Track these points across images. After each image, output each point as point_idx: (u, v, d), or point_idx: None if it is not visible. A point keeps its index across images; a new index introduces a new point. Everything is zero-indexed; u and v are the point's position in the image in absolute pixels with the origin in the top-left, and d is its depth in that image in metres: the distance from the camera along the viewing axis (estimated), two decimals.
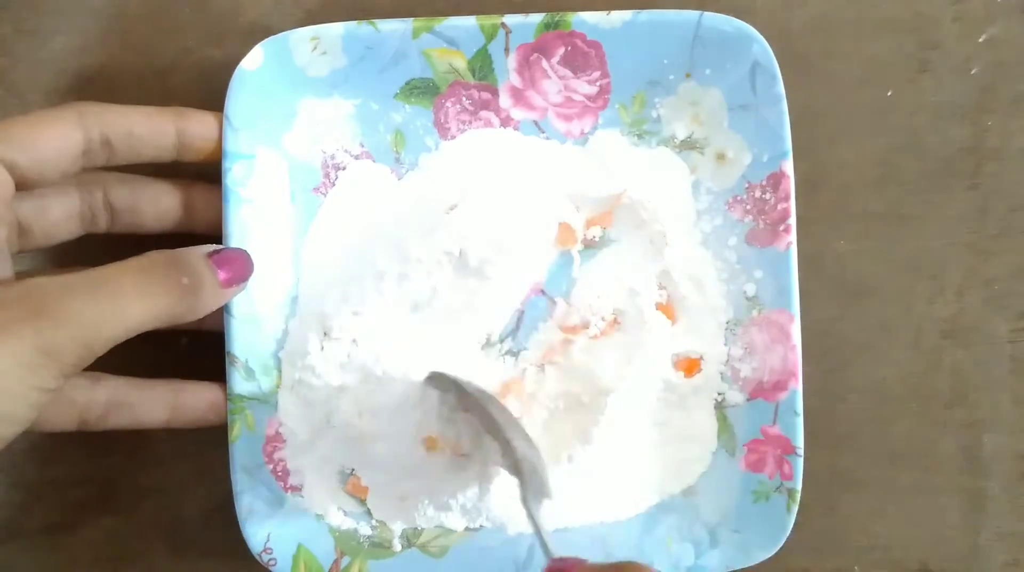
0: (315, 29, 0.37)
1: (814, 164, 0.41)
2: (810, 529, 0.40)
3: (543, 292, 0.40)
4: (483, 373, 0.40)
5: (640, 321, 0.39)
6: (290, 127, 0.39)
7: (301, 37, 0.37)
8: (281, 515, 0.39)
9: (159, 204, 0.37)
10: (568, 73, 0.39)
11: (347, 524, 0.39)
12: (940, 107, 0.42)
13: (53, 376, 0.29)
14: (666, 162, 0.40)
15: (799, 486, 0.38)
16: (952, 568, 0.42)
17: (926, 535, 0.42)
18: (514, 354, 0.40)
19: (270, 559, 0.38)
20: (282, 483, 0.39)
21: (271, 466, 0.39)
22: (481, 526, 0.40)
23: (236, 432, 0.38)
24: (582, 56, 0.39)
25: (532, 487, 0.33)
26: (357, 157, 0.40)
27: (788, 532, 0.37)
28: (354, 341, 0.38)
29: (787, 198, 0.38)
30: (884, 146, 0.42)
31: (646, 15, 0.38)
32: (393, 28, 0.38)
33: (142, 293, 0.31)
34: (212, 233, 0.37)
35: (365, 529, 0.40)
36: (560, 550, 0.30)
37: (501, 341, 0.40)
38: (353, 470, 0.40)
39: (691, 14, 0.37)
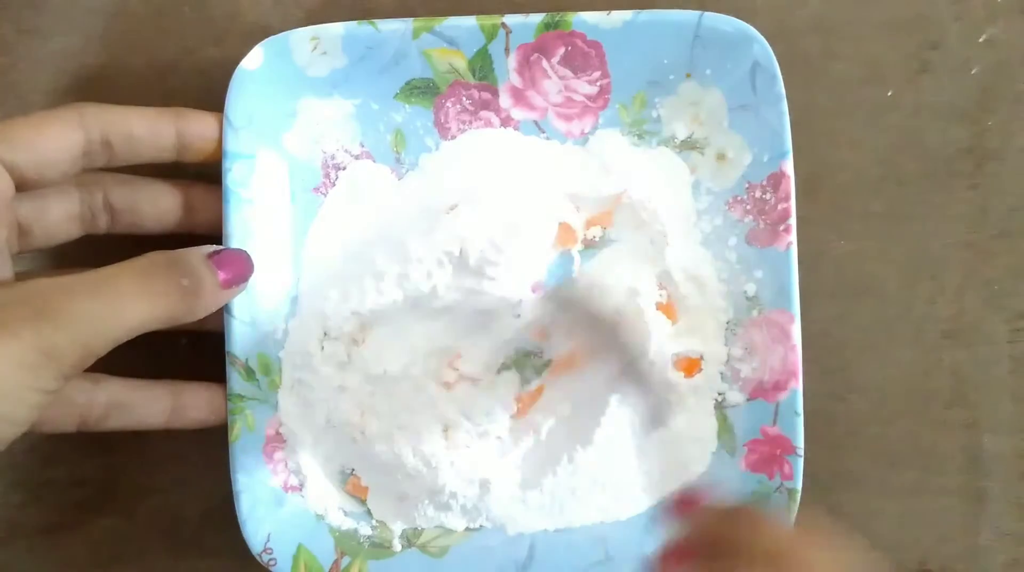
0: (315, 29, 0.37)
1: (814, 164, 0.41)
2: None
3: (543, 292, 0.40)
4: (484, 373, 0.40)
5: (640, 321, 0.39)
6: (290, 127, 0.39)
7: (301, 37, 0.37)
8: (281, 515, 0.39)
9: (159, 205, 0.37)
10: (568, 73, 0.39)
11: (347, 524, 0.39)
12: (940, 107, 0.42)
13: (53, 377, 0.29)
14: (666, 162, 0.40)
15: (799, 486, 0.38)
16: (952, 568, 0.42)
17: (926, 535, 0.42)
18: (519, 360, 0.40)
19: (270, 559, 0.38)
20: (282, 483, 0.39)
21: (271, 466, 0.39)
22: (481, 526, 0.40)
23: (236, 432, 0.38)
24: (582, 56, 0.39)
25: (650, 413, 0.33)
26: (357, 157, 0.40)
27: None
28: (354, 341, 0.38)
29: (787, 198, 0.38)
30: (884, 146, 0.42)
31: (646, 15, 0.38)
32: (393, 28, 0.38)
33: (142, 294, 0.31)
34: (212, 233, 0.37)
35: (365, 529, 0.40)
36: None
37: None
38: (353, 470, 0.40)
39: (691, 14, 0.37)
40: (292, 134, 0.39)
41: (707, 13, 0.37)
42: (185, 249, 0.34)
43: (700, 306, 0.40)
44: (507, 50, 0.38)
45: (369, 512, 0.40)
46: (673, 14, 0.38)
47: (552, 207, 0.39)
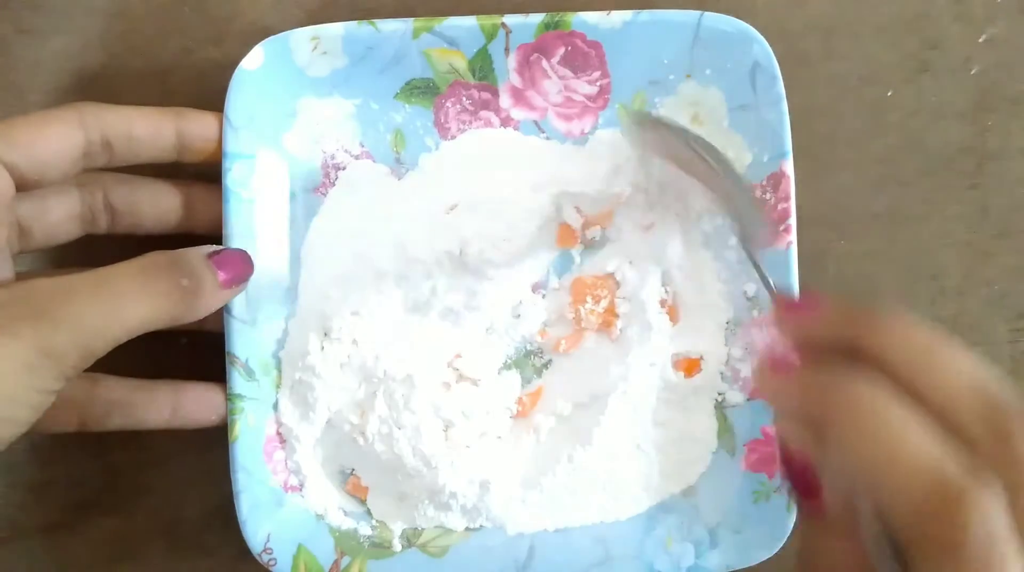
0: (315, 29, 0.37)
1: (814, 164, 0.41)
2: None
3: (543, 292, 0.40)
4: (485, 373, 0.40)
5: (640, 321, 0.39)
6: (290, 127, 0.39)
7: (301, 37, 0.37)
8: (281, 515, 0.39)
9: (159, 205, 0.37)
10: (568, 73, 0.39)
11: (347, 524, 0.39)
12: (940, 107, 0.42)
13: (53, 378, 0.29)
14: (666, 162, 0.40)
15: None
16: None
17: None
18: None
19: (270, 559, 0.38)
20: (282, 483, 0.39)
21: (271, 466, 0.39)
22: (481, 526, 0.40)
23: (236, 432, 0.38)
24: (582, 56, 0.39)
25: (751, 227, 0.32)
26: (357, 157, 0.40)
27: (788, 532, 0.37)
28: (354, 341, 0.38)
29: (787, 198, 0.38)
30: (884, 146, 0.42)
31: (646, 15, 0.38)
32: (393, 28, 0.38)
33: (142, 294, 0.31)
34: (212, 233, 0.37)
35: (365, 529, 0.40)
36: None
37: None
38: (353, 470, 0.40)
39: (691, 14, 0.37)
40: (292, 134, 0.39)
41: (707, 13, 0.37)
42: (185, 249, 0.34)
43: (700, 306, 0.40)
44: (507, 50, 0.38)
45: (369, 512, 0.40)
46: (673, 14, 0.38)
47: (552, 207, 0.39)
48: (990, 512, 0.19)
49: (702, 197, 0.39)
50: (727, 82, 0.38)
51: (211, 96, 0.38)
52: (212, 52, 0.41)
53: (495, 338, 0.40)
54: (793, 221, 0.38)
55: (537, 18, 0.38)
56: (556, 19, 0.38)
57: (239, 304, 0.37)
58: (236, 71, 0.37)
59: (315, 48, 0.38)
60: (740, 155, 0.39)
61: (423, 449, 0.38)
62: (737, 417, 0.39)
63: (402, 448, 0.38)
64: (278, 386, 0.39)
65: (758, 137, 0.38)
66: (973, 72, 0.42)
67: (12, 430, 0.30)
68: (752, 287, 0.39)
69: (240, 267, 0.35)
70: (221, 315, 0.37)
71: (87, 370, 0.31)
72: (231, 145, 0.37)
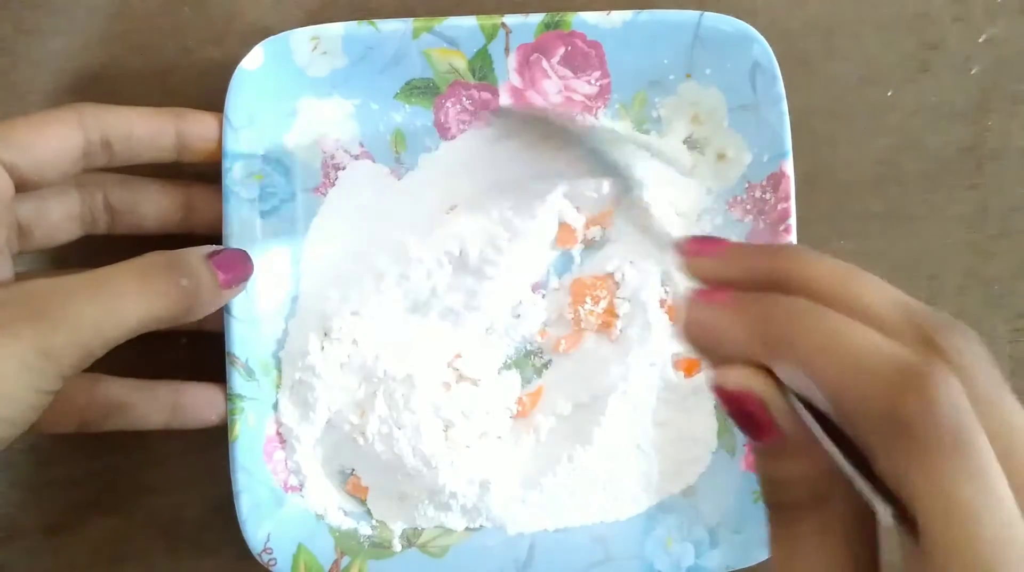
0: (315, 29, 0.37)
1: (814, 164, 0.41)
2: None
3: (543, 292, 0.40)
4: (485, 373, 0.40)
5: (640, 321, 0.39)
6: (290, 127, 0.39)
7: (301, 37, 0.37)
8: (281, 515, 0.39)
9: (159, 205, 0.37)
10: (568, 73, 0.39)
11: (347, 524, 0.39)
12: (940, 107, 0.42)
13: (52, 377, 0.29)
14: (666, 162, 0.40)
15: None
16: None
17: None
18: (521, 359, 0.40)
19: (270, 559, 0.38)
20: (282, 483, 0.39)
21: (271, 466, 0.39)
22: (481, 526, 0.40)
23: (236, 432, 0.38)
24: (582, 56, 0.39)
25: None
26: (357, 157, 0.40)
27: None
28: (354, 341, 0.38)
29: (787, 198, 0.38)
30: (884, 146, 0.42)
31: (646, 15, 0.38)
32: (393, 28, 0.38)
33: (142, 294, 0.31)
34: (212, 233, 0.37)
35: (365, 529, 0.40)
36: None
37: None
38: (353, 470, 0.40)
39: (691, 14, 0.37)
40: (292, 134, 0.39)
41: (707, 13, 0.37)
42: (185, 249, 0.34)
43: None
44: (507, 50, 0.38)
45: (369, 512, 0.40)
46: (673, 14, 0.38)
47: (552, 207, 0.39)
48: (954, 387, 0.20)
49: (701, 199, 0.40)
50: (727, 82, 0.38)
51: (211, 96, 0.38)
52: (212, 52, 0.41)
53: (495, 338, 0.40)
54: (793, 221, 0.38)
55: (537, 18, 0.38)
56: (556, 19, 0.38)
57: (239, 304, 0.37)
58: (236, 71, 0.37)
59: (315, 48, 0.38)
60: (740, 155, 0.39)
61: (423, 449, 0.38)
62: None
63: (402, 448, 0.38)
64: (278, 386, 0.39)
65: (758, 137, 0.38)
66: (973, 72, 0.42)
67: (11, 430, 0.30)
68: None
69: (240, 267, 0.35)
70: (221, 315, 0.37)
71: (87, 370, 0.31)
72: (231, 145, 0.37)
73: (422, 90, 0.39)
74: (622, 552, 0.39)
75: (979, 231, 0.42)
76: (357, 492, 0.40)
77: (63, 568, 0.42)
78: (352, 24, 0.37)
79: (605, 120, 0.40)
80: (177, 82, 0.41)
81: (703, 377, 0.39)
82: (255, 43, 0.37)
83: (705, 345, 0.24)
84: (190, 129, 0.36)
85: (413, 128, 0.40)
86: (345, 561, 0.39)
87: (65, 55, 0.41)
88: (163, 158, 0.36)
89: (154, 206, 0.37)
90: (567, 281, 0.40)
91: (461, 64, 0.39)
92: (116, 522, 0.41)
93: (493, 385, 0.40)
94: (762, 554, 0.38)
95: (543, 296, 0.40)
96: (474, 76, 0.39)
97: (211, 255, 0.34)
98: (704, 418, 0.40)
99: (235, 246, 0.37)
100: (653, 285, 0.39)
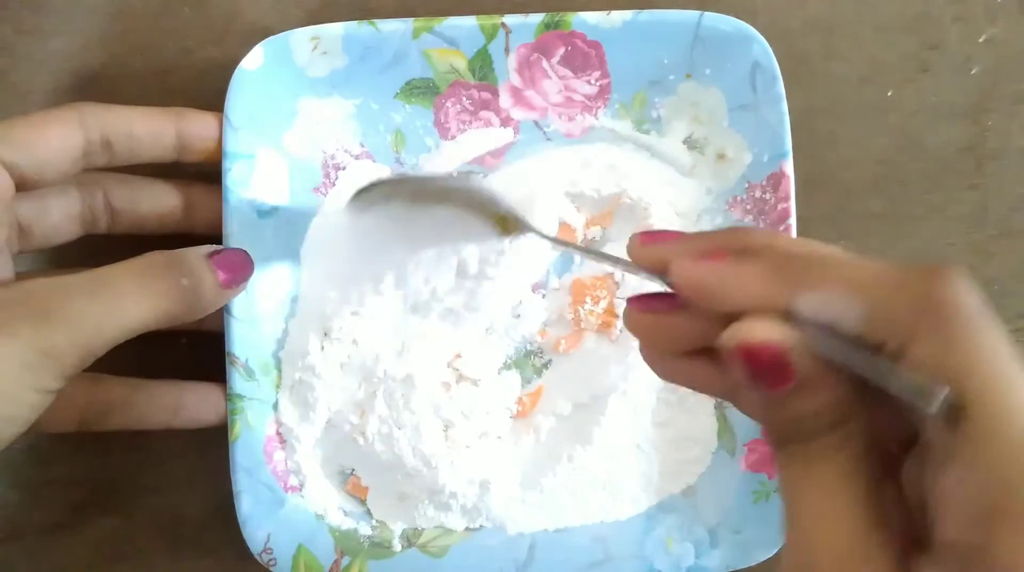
0: (315, 29, 0.37)
1: (814, 164, 0.41)
2: None
3: (543, 292, 0.40)
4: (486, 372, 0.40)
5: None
6: (290, 127, 0.39)
7: (301, 37, 0.37)
8: (281, 515, 0.39)
9: (159, 205, 0.37)
10: (568, 73, 0.39)
11: (347, 524, 0.39)
12: (940, 107, 0.42)
13: (53, 377, 0.29)
14: (666, 162, 0.40)
15: None
16: None
17: None
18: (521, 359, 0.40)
19: (270, 559, 0.38)
20: (282, 483, 0.39)
21: (271, 466, 0.39)
22: (481, 526, 0.40)
23: (236, 432, 0.38)
24: (582, 56, 0.39)
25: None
26: (357, 157, 0.40)
27: None
28: (354, 341, 0.38)
29: (787, 198, 0.38)
30: (884, 146, 0.42)
31: (646, 15, 0.38)
32: (393, 28, 0.38)
33: (142, 294, 0.31)
34: (212, 233, 0.37)
35: (365, 529, 0.40)
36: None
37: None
38: (353, 470, 0.40)
39: (691, 14, 0.37)
40: (292, 134, 0.39)
41: (707, 13, 0.37)
42: (185, 249, 0.34)
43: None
44: (507, 50, 0.38)
45: (369, 512, 0.40)
46: (673, 14, 0.38)
47: (552, 207, 0.39)
48: (968, 283, 0.23)
49: (701, 199, 0.40)
50: (727, 82, 0.38)
51: (211, 96, 0.38)
52: (212, 52, 0.41)
53: (495, 338, 0.40)
54: (793, 221, 0.38)
55: (537, 18, 0.38)
56: (556, 19, 0.38)
57: (239, 304, 0.37)
58: (236, 71, 0.37)
59: (315, 48, 0.38)
60: (740, 155, 0.39)
61: (423, 449, 0.38)
62: (737, 417, 0.39)
63: (402, 448, 0.38)
64: (278, 386, 0.39)
65: (758, 137, 0.38)
66: (973, 72, 0.42)
67: (11, 429, 0.30)
68: None
69: (240, 267, 0.35)
70: (221, 315, 0.37)
71: (87, 370, 0.31)
72: (231, 145, 0.37)
73: (422, 90, 0.39)
74: (622, 552, 0.39)
75: (979, 231, 0.42)
76: (357, 492, 0.40)
77: (63, 568, 0.42)
78: (352, 24, 0.38)
79: (605, 120, 0.40)
80: (177, 82, 0.41)
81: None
82: (255, 43, 0.37)
83: (711, 301, 0.24)
84: (190, 129, 0.36)
85: (413, 128, 0.40)
86: (345, 561, 0.39)
87: (65, 55, 0.41)
88: (163, 158, 0.36)
89: (154, 206, 0.37)
90: (567, 281, 0.40)
91: (461, 64, 0.39)
92: (116, 522, 0.41)
93: (493, 385, 0.40)
94: (762, 554, 0.38)
95: (543, 296, 0.40)
96: (474, 76, 0.39)
97: (211, 255, 0.34)
98: (704, 418, 0.40)
99: (235, 246, 0.37)
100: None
